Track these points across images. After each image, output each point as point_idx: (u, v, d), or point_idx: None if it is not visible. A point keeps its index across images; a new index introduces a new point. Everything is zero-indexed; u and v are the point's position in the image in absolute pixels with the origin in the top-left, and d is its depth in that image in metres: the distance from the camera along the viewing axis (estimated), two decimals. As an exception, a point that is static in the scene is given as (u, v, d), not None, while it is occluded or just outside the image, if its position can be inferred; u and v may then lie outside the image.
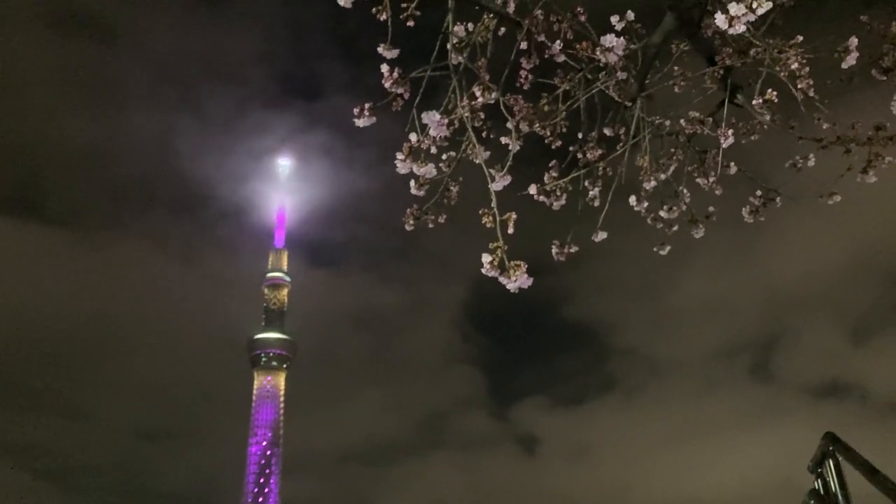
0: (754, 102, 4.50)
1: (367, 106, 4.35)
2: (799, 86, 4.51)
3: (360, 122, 4.39)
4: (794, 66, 4.39)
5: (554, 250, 5.62)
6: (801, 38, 4.39)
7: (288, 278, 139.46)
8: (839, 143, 5.02)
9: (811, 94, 4.59)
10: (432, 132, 4.36)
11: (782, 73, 4.42)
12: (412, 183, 4.96)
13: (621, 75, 4.78)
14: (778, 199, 6.05)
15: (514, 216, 4.14)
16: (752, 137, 5.64)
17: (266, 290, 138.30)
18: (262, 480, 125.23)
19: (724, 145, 4.78)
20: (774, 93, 4.51)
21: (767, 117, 4.74)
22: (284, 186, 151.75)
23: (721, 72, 4.67)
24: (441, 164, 5.00)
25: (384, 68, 4.37)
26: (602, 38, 4.60)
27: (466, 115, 4.54)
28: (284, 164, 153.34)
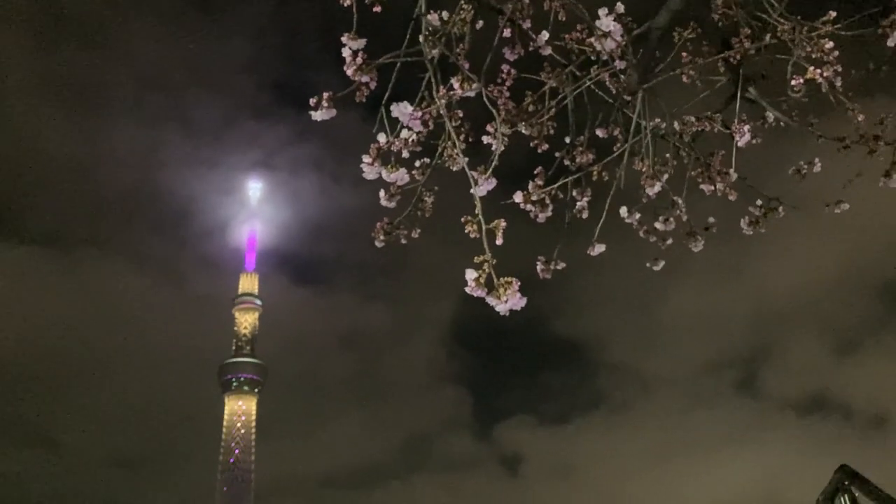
0: (793, 83, 3.91)
1: (326, 95, 3.70)
2: (825, 74, 3.93)
3: (317, 115, 3.74)
4: (828, 45, 3.80)
5: (539, 267, 5.03)
6: (833, 13, 3.81)
7: (259, 302, 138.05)
8: (862, 143, 4.46)
9: (838, 84, 4.01)
10: (406, 124, 3.74)
11: (813, 55, 3.83)
12: (382, 193, 4.38)
13: (619, 65, 4.18)
14: (780, 209, 5.53)
15: (503, 224, 3.51)
16: (755, 141, 5.10)
17: (236, 315, 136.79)
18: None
19: (739, 143, 4.20)
20: (801, 80, 3.93)
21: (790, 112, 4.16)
22: (256, 210, 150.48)
23: (738, 57, 4.08)
24: (414, 172, 4.39)
25: (346, 52, 3.73)
26: (597, 21, 4.01)
27: (443, 110, 3.93)
28: (255, 186, 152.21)
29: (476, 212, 3.60)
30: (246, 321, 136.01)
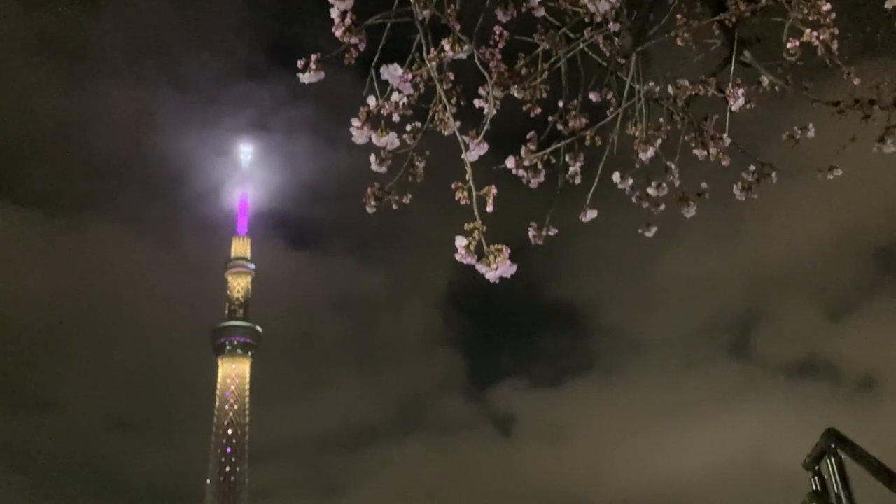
0: (788, 46, 3.85)
1: (314, 58, 3.62)
2: (821, 36, 3.87)
3: (305, 77, 3.66)
4: (825, 7, 3.74)
5: (531, 233, 4.99)
6: None
7: (251, 266, 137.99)
8: (857, 108, 4.41)
9: (834, 47, 3.95)
10: (396, 87, 3.66)
11: (810, 17, 3.77)
12: (372, 157, 4.31)
13: (613, 27, 4.10)
14: (774, 175, 5.49)
15: (494, 190, 3.46)
16: (748, 106, 5.04)
17: (229, 279, 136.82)
18: (227, 469, 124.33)
19: (733, 107, 4.14)
20: (797, 42, 3.87)
21: (783, 75, 4.11)
22: (247, 173, 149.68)
23: (733, 20, 4.01)
24: (405, 136, 4.33)
25: (334, 13, 3.64)
26: (591, -18, 3.93)
27: (434, 72, 3.85)
28: (247, 150, 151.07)
29: (467, 177, 3.54)
30: (238, 285, 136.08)
